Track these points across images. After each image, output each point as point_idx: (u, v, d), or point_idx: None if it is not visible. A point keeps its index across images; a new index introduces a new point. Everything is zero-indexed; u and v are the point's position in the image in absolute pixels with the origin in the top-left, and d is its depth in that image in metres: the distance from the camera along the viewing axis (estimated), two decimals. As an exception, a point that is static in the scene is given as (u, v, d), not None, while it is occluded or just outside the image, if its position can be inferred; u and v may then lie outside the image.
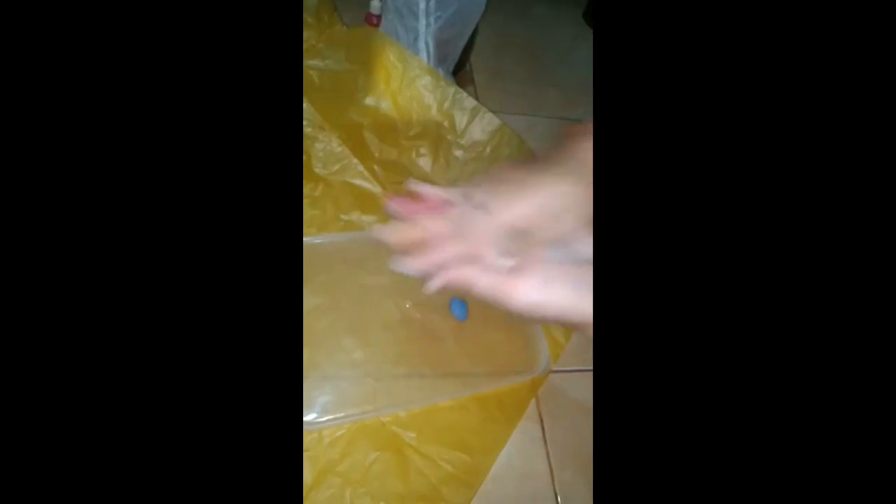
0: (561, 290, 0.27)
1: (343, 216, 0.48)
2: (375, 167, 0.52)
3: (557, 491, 0.38)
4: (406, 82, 0.55)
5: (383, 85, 0.56)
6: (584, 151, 0.29)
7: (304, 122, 0.50)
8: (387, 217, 0.50)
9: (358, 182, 0.50)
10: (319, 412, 0.37)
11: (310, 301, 0.42)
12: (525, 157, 0.56)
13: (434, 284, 0.29)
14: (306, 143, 0.50)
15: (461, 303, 0.42)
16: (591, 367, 0.38)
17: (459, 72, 0.67)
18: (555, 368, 0.43)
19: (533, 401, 0.42)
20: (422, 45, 0.58)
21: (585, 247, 0.29)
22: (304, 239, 0.45)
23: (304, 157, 0.49)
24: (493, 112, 0.58)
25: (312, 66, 0.54)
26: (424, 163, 0.54)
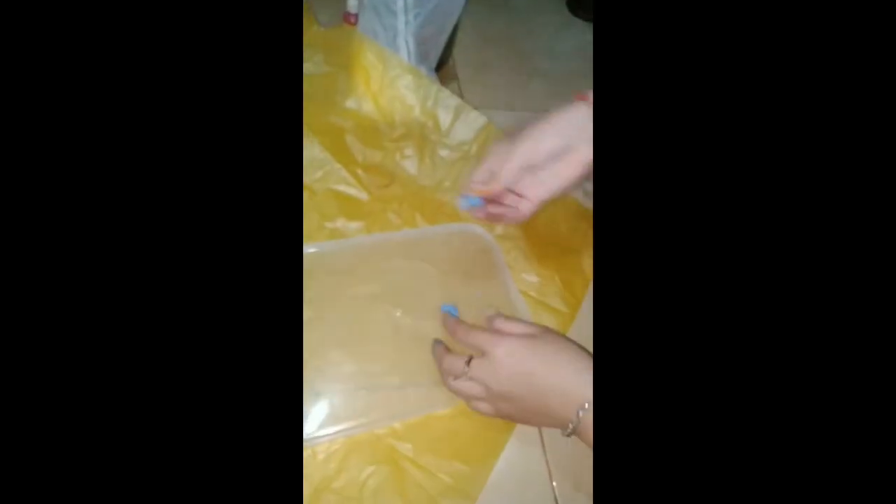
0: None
1: (328, 224, 0.47)
2: (359, 171, 0.51)
3: (557, 496, 0.38)
4: (387, 83, 0.54)
5: (363, 86, 0.54)
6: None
7: (284, 130, 0.49)
8: (373, 224, 0.49)
9: (342, 188, 0.49)
10: (312, 428, 0.37)
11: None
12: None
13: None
14: (287, 151, 0.49)
15: (454, 308, 0.41)
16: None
17: (442, 68, 0.66)
18: (550, 370, 0.43)
19: (529, 404, 0.41)
20: (401, 43, 0.56)
21: None
22: (290, 250, 0.44)
23: (286, 166, 0.48)
24: (479, 107, 0.57)
25: (290, 70, 0.53)
26: (410, 164, 0.53)
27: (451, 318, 0.38)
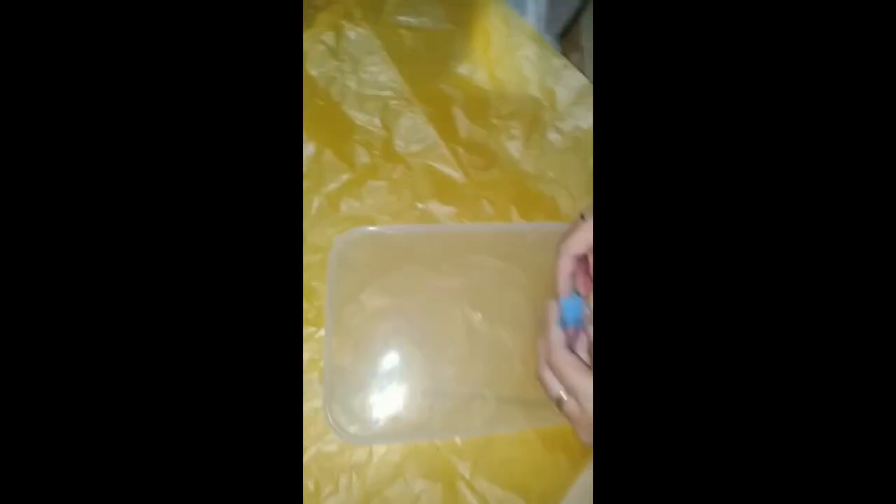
0: None
1: (419, 204, 0.44)
2: (460, 149, 0.46)
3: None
4: (508, 50, 0.48)
5: (481, 51, 0.49)
6: None
7: (390, 93, 0.45)
8: (465, 210, 0.45)
9: (439, 166, 0.45)
10: (372, 426, 0.36)
11: (375, 301, 0.39)
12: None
13: None
14: (389, 118, 0.45)
15: (575, 303, 0.31)
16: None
17: (566, 36, 0.59)
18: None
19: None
20: (531, 5, 0.50)
21: None
22: (376, 228, 0.42)
23: (386, 134, 0.45)
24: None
25: (404, 22, 0.48)
26: (514, 147, 0.48)
27: (549, 336, 0.30)
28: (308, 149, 0.42)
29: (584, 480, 0.37)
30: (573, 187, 0.48)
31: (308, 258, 0.40)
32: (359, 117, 0.44)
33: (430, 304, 0.40)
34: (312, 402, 0.36)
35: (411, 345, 0.39)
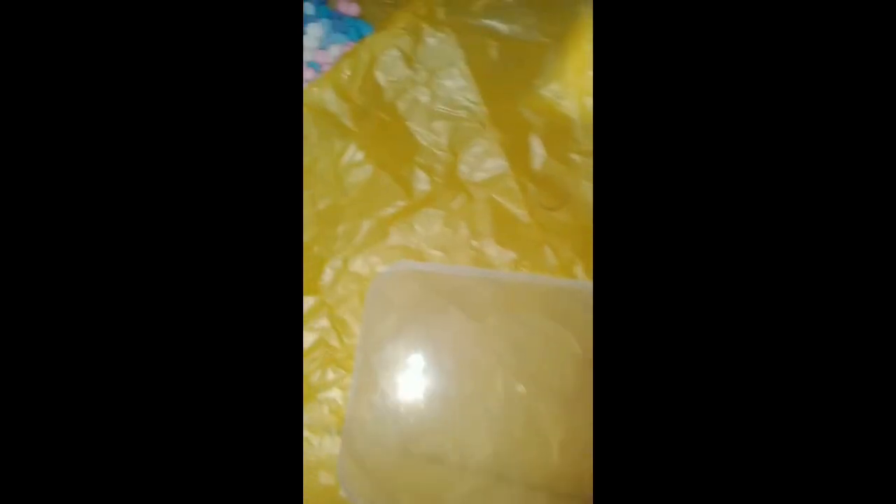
0: None
1: (475, 242, 0.39)
2: (530, 185, 0.41)
3: None
4: (603, 78, 0.42)
5: (573, 74, 0.42)
6: None
7: (464, 113, 0.40)
8: (525, 256, 0.41)
9: (503, 201, 0.40)
10: (386, 492, 0.33)
11: (411, 349, 0.35)
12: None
13: None
14: (457, 140, 0.40)
15: None
16: None
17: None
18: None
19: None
20: (641, 27, 0.43)
21: None
22: (424, 265, 0.38)
23: (451, 158, 0.40)
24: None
25: (491, 28, 0.42)
26: (590, 190, 0.42)
27: None
28: (364, 170, 0.38)
29: None
30: (649, 245, 0.42)
31: (347, 288, 0.36)
32: (425, 137, 0.39)
33: (470, 363, 0.36)
34: (331, 452, 0.33)
35: (443, 407, 0.35)
